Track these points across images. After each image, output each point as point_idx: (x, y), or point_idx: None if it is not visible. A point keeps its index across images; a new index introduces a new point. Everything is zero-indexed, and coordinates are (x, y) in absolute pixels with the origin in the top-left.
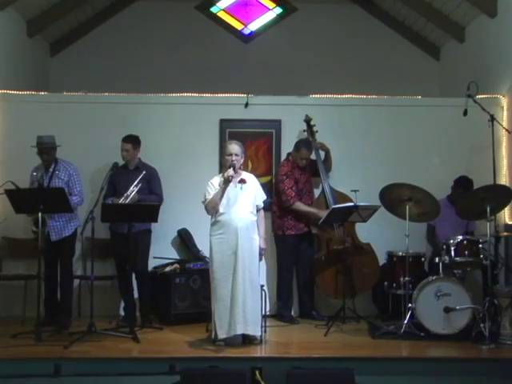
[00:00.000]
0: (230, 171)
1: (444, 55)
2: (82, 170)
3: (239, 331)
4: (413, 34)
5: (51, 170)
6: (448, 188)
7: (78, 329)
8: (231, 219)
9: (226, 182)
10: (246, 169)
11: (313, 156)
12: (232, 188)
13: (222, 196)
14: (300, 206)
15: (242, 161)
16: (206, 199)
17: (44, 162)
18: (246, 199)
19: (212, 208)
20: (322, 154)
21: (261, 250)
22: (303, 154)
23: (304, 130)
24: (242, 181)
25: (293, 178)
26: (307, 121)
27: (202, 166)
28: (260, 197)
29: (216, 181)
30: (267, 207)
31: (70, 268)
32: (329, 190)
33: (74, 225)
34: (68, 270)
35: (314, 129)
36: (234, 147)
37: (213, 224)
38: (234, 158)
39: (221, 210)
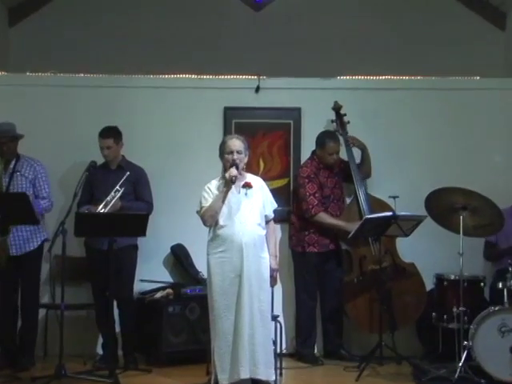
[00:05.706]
0: (233, 171)
1: (511, 23)
2: (50, 170)
3: (244, 375)
4: None
5: (11, 167)
6: None
7: (42, 372)
8: (234, 233)
9: (228, 184)
10: (256, 169)
11: (344, 156)
12: (234, 194)
13: (223, 202)
14: (323, 217)
15: (245, 160)
16: (201, 207)
17: (2, 158)
18: (253, 208)
19: (210, 217)
20: (357, 153)
21: (272, 271)
22: (331, 148)
23: (332, 121)
24: (247, 185)
25: (317, 181)
26: (336, 109)
27: (202, 167)
28: (269, 205)
29: (214, 185)
30: (283, 218)
31: (36, 294)
32: (364, 195)
33: (41, 237)
34: (33, 296)
35: (345, 119)
36: (235, 143)
37: (211, 240)
38: (235, 157)
39: (221, 221)
